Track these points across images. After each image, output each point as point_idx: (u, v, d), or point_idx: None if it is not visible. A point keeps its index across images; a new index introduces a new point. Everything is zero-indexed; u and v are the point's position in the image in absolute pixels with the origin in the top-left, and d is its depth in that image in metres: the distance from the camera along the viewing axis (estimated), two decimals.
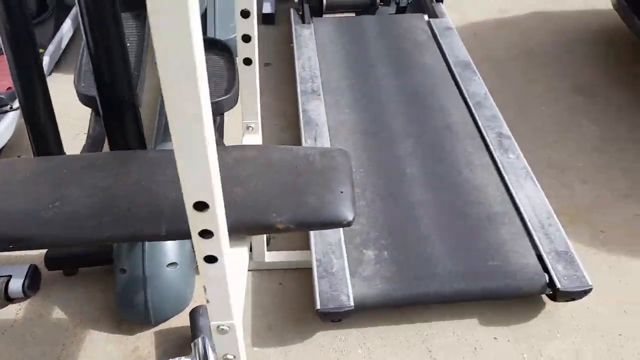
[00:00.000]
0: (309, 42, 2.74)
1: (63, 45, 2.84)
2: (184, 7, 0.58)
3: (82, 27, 1.27)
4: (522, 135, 2.44)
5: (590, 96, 2.69)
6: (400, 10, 3.05)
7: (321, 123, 2.26)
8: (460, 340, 1.68)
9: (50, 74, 2.72)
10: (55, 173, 1.23)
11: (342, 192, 1.19)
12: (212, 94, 2.17)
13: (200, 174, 0.75)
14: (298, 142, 2.25)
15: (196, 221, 0.81)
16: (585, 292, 1.62)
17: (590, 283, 1.62)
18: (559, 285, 1.62)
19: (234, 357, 1.04)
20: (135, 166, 1.24)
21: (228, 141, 1.92)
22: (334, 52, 2.67)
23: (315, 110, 2.32)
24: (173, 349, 1.68)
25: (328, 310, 1.58)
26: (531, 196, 1.91)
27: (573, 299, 1.65)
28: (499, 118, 2.26)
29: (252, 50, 1.29)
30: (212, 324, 0.98)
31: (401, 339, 1.69)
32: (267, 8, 3.23)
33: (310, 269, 1.74)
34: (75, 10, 2.97)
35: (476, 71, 2.52)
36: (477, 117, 2.26)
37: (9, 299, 1.76)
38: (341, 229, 1.82)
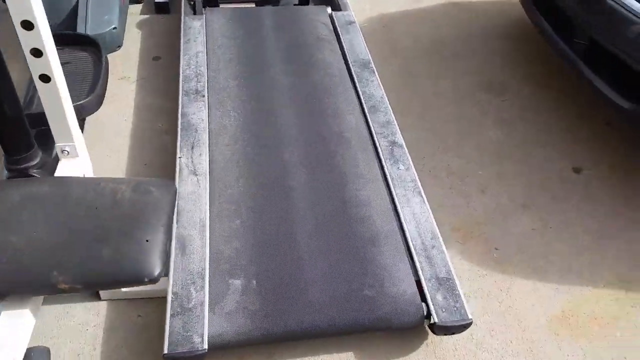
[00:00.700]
0: (199, 35, 2.49)
1: None
2: None
3: None
4: (423, 138, 2.31)
5: (498, 94, 2.58)
6: (304, 1, 2.84)
7: (201, 128, 2.03)
8: None
9: None
10: None
11: (147, 240, 0.99)
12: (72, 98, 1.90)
13: None
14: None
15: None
16: (465, 327, 1.50)
17: (469, 317, 1.50)
18: (436, 319, 1.48)
19: None
20: None
21: None
22: (226, 47, 2.44)
23: (197, 114, 2.09)
24: None
25: (175, 356, 1.38)
26: (417, 213, 1.77)
27: (453, 333, 1.52)
28: (393, 124, 2.10)
29: (47, 65, 1.05)
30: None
31: None
32: None
33: None
34: None
35: (375, 71, 2.35)
36: (370, 123, 2.10)
37: None
38: (207, 252, 1.63)
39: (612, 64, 2.04)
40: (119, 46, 2.40)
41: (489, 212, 2.04)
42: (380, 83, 2.29)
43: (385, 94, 2.24)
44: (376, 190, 1.85)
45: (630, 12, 1.93)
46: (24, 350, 0.96)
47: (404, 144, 2.02)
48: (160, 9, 2.94)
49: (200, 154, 1.93)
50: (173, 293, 1.53)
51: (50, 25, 2.29)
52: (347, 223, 1.74)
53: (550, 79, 2.68)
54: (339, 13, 2.71)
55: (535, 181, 2.17)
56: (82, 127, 2.01)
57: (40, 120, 1.54)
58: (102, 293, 1.68)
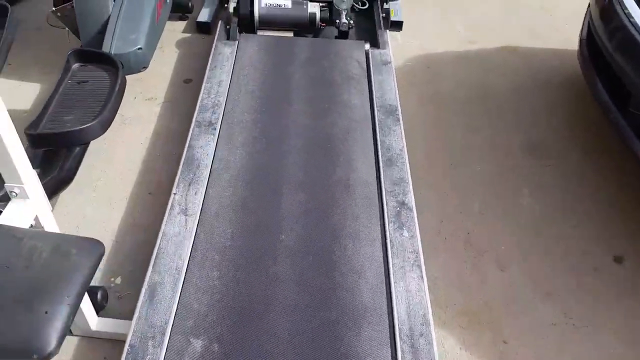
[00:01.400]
0: (226, 62, 2.42)
1: None
2: None
3: None
4: (446, 198, 2.12)
5: (539, 157, 2.34)
6: (343, 34, 2.72)
7: (204, 164, 1.95)
8: None
9: None
10: None
11: (47, 312, 0.90)
12: (76, 121, 1.89)
13: None
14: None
15: None
16: None
17: None
18: None
19: None
20: None
21: None
22: (250, 78, 2.36)
23: (204, 147, 2.02)
24: None
25: None
26: (411, 291, 1.60)
27: None
28: (407, 183, 1.93)
29: None
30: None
31: None
32: (204, 16, 2.93)
33: None
34: None
35: (400, 119, 2.19)
36: (382, 178, 1.94)
37: None
38: (175, 304, 1.53)
39: None
40: (145, 67, 2.37)
41: (504, 296, 1.82)
42: (402, 134, 2.13)
43: (405, 147, 2.07)
44: (371, 256, 1.69)
45: None
46: None
47: (414, 206, 1.85)
48: (202, 29, 2.92)
49: (195, 193, 1.85)
50: (130, 345, 1.44)
51: (84, 40, 2.32)
52: (332, 292, 1.59)
53: (603, 146, 2.40)
54: (377, 51, 2.56)
55: (566, 266, 1.92)
56: (84, 150, 1.99)
57: None
58: (74, 328, 1.63)
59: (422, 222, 2.02)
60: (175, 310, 1.52)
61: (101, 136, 2.22)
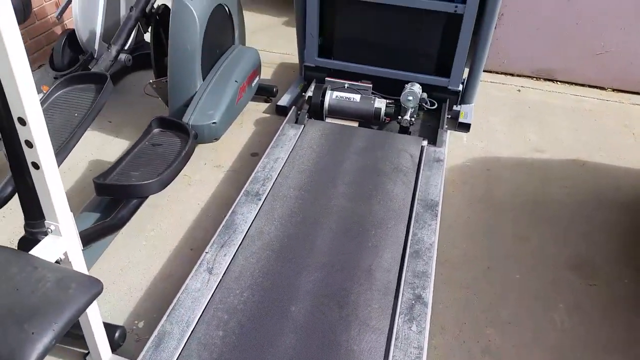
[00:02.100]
0: (288, 143, 2.64)
1: None
2: None
3: None
4: (472, 302, 2.07)
5: (586, 276, 2.21)
6: (404, 130, 2.84)
7: (240, 230, 2.11)
8: None
9: None
10: None
11: (33, 333, 1.04)
12: (140, 177, 2.14)
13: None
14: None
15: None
16: None
17: None
18: None
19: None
20: None
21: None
22: (306, 159, 2.53)
23: (245, 215, 2.18)
24: None
25: None
26: None
27: None
28: (429, 278, 1.93)
29: (36, 155, 1.22)
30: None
31: None
32: (284, 101, 3.21)
33: None
34: None
35: (438, 215, 2.21)
36: (404, 269, 1.96)
37: None
38: (176, 357, 1.63)
39: None
40: (216, 139, 2.65)
41: None
42: (437, 229, 2.14)
43: (436, 243, 2.08)
44: (374, 346, 1.69)
45: None
46: None
47: (429, 302, 1.83)
48: (280, 111, 3.20)
49: (225, 255, 2.00)
50: None
51: (171, 110, 2.66)
52: None
53: None
54: (432, 148, 2.64)
55: None
56: (140, 204, 2.22)
57: None
58: None
59: (443, 321, 1.99)
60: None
61: (165, 193, 2.50)
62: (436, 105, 3.05)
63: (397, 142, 2.69)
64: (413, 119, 2.82)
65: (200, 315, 1.77)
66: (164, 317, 1.75)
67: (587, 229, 2.47)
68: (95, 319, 1.64)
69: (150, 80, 2.73)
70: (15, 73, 1.10)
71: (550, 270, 2.24)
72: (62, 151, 2.01)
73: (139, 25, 2.93)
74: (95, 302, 1.62)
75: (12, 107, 1.16)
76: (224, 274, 1.92)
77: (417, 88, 2.89)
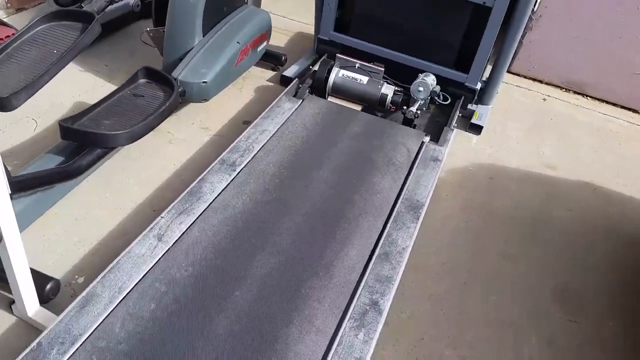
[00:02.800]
0: (280, 116, 2.47)
1: None
2: None
3: None
4: (437, 317, 1.90)
5: (568, 310, 2.02)
6: (408, 122, 2.64)
7: (204, 200, 1.96)
8: None
9: None
10: None
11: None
12: (110, 126, 2.02)
13: None
14: None
15: None
16: None
17: None
18: None
19: None
20: None
21: None
22: (294, 136, 2.36)
23: (214, 184, 2.04)
24: None
25: None
26: None
27: None
28: (391, 284, 1.76)
29: None
30: None
31: None
32: (290, 72, 3.04)
33: None
34: None
35: (419, 218, 2.03)
36: (367, 271, 1.79)
37: None
38: (97, 323, 1.51)
39: None
40: (205, 99, 2.50)
41: None
42: (414, 234, 1.97)
43: (410, 248, 1.91)
44: (312, 349, 1.54)
45: None
46: None
47: (385, 311, 1.67)
48: (284, 82, 3.02)
49: (181, 223, 1.86)
50: (37, 343, 1.45)
51: (164, 62, 2.52)
52: None
53: None
54: (433, 146, 2.45)
55: None
56: (102, 155, 2.09)
57: None
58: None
59: (401, 331, 1.83)
60: (94, 328, 1.51)
61: (143, 148, 2.38)
62: (449, 100, 2.84)
63: (397, 134, 2.50)
64: (419, 112, 2.61)
65: (137, 283, 1.64)
66: (97, 279, 1.63)
67: (583, 258, 2.26)
68: (19, 267, 1.53)
69: (148, 28, 2.59)
70: None
71: (532, 297, 2.05)
72: (30, 87, 1.89)
73: None
74: (22, 250, 1.51)
75: None
76: (173, 244, 1.78)
77: (430, 79, 2.68)
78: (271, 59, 3.12)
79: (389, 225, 1.99)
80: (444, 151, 2.43)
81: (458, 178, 2.58)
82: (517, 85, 3.46)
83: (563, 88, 3.50)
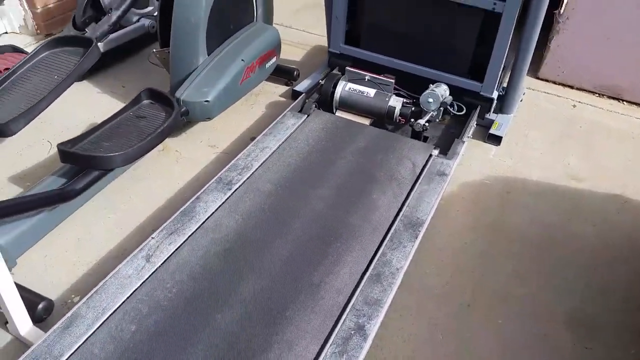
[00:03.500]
0: (283, 132, 2.44)
1: None
2: None
3: None
4: (435, 343, 1.80)
5: (582, 336, 1.86)
6: (416, 135, 2.55)
7: (196, 220, 1.96)
8: None
9: None
10: None
11: None
12: (109, 149, 2.06)
13: None
14: None
15: None
16: None
17: None
18: None
19: None
20: None
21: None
22: (295, 152, 2.33)
23: (207, 204, 2.03)
24: None
25: None
26: None
27: None
28: (381, 307, 1.68)
29: None
30: None
31: None
32: (301, 86, 3.02)
33: None
34: None
35: (418, 237, 1.94)
36: (356, 294, 1.72)
37: None
38: (79, 343, 1.53)
39: None
40: (209, 118, 2.51)
41: None
42: (411, 254, 1.88)
43: (404, 269, 1.82)
44: None
45: None
46: None
47: (370, 337, 1.59)
48: (295, 97, 3.00)
49: (170, 243, 1.86)
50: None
51: (171, 82, 2.55)
52: None
53: None
54: (440, 160, 2.34)
55: None
56: (100, 177, 2.11)
57: None
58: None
59: (391, 356, 1.74)
60: (74, 349, 1.52)
61: (149, 167, 2.41)
62: (464, 111, 2.73)
63: (404, 148, 2.41)
64: (427, 124, 2.52)
65: (120, 305, 1.65)
66: (82, 300, 1.65)
67: (604, 280, 2.09)
68: (7, 290, 1.57)
69: (154, 50, 2.64)
70: None
71: (543, 322, 1.91)
72: (28, 113, 1.96)
73: None
74: (7, 274, 1.55)
75: None
76: (161, 264, 1.78)
77: (441, 90, 2.58)
78: (284, 74, 3.11)
79: (384, 244, 1.92)
80: (452, 165, 2.32)
81: (471, 192, 2.46)
82: (544, 92, 3.29)
83: (596, 93, 3.29)
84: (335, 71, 2.91)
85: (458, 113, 2.73)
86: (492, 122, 2.83)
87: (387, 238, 1.94)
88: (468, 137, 2.64)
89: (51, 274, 1.94)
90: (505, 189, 2.51)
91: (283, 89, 3.13)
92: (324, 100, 2.68)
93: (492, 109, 2.83)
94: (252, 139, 2.71)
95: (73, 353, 1.51)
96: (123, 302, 1.65)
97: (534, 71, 3.39)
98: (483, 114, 2.80)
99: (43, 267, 1.96)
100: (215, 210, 2.01)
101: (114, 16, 2.61)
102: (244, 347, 1.56)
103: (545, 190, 2.52)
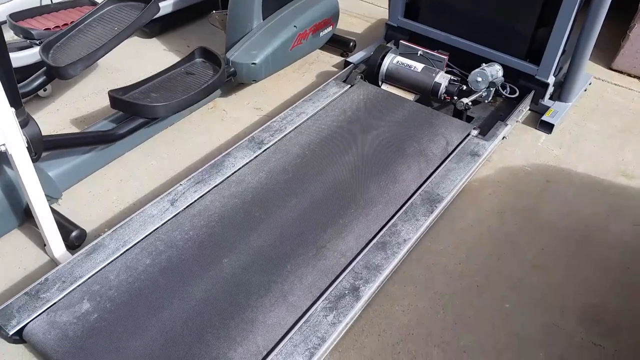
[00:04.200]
0: (323, 100, 2.49)
1: None
2: None
3: None
4: (432, 316, 1.80)
5: (593, 333, 1.78)
6: (458, 114, 2.49)
7: (222, 173, 2.07)
8: None
9: None
10: None
11: None
12: (155, 99, 2.21)
13: None
14: None
15: None
16: None
17: None
18: None
19: None
20: None
21: None
22: (331, 120, 2.37)
23: (235, 160, 2.14)
24: None
25: None
26: None
27: None
28: (380, 272, 1.71)
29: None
30: None
31: None
32: (354, 58, 3.02)
33: None
34: None
35: (433, 212, 1.93)
36: (358, 258, 1.76)
37: None
38: (97, 269, 1.70)
39: None
40: (255, 80, 2.61)
41: None
42: (422, 228, 1.88)
43: (413, 241, 1.83)
44: (278, 322, 1.57)
45: None
46: None
47: (364, 298, 1.63)
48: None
49: (195, 191, 1.99)
50: (45, 278, 1.67)
51: (227, 43, 2.66)
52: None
53: None
54: (477, 140, 2.29)
55: None
56: (141, 125, 2.26)
57: None
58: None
59: (391, 326, 1.76)
60: (93, 273, 1.69)
61: (196, 122, 2.56)
62: (517, 94, 2.62)
63: (442, 125, 2.38)
64: (470, 103, 2.45)
65: (140, 240, 1.80)
66: (108, 231, 1.82)
67: (633, 283, 1.96)
68: (44, 217, 1.76)
69: (214, 11, 2.76)
70: None
71: (554, 312, 1.84)
72: (85, 59, 2.15)
73: None
74: (45, 202, 1.74)
75: None
76: (183, 209, 1.92)
77: (493, 69, 2.50)
78: (340, 45, 3.14)
79: (397, 215, 1.93)
80: (487, 146, 2.26)
81: (508, 177, 2.38)
82: (615, 84, 3.07)
83: None
84: (390, 45, 2.90)
85: (510, 96, 2.63)
86: (547, 108, 2.70)
87: (402, 210, 1.95)
88: (516, 121, 2.54)
89: (91, 208, 2.14)
90: (546, 178, 2.41)
91: (338, 59, 3.16)
92: (371, 72, 2.68)
93: (549, 95, 2.70)
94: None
95: (91, 277, 1.68)
96: (143, 238, 1.81)
97: (608, 61, 3.17)
98: (537, 100, 2.68)
99: (85, 202, 2.16)
100: (242, 166, 2.11)
101: None
102: (242, 290, 1.66)
103: (590, 183, 2.39)
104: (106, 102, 2.70)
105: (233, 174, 2.07)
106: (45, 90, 2.58)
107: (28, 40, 2.52)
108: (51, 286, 1.65)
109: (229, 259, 1.75)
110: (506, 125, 2.41)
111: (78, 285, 1.65)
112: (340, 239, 1.84)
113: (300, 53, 2.81)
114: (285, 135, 2.27)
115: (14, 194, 1.90)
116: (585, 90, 2.91)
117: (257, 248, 1.79)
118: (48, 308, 1.59)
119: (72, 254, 1.87)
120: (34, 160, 1.70)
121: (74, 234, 1.91)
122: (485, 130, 2.38)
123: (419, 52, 2.72)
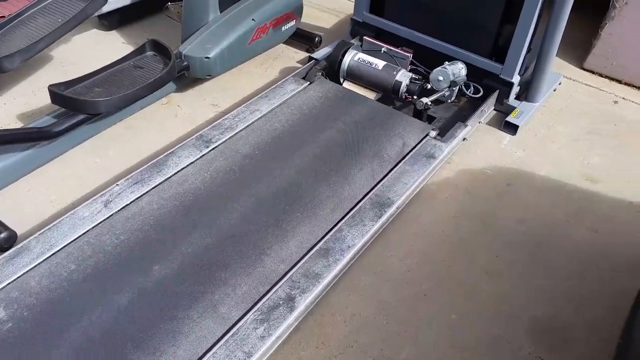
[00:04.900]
0: (279, 97, 2.39)
1: None
2: None
3: None
4: (372, 326, 1.72)
5: (541, 347, 1.70)
6: (418, 114, 2.40)
7: (163, 173, 1.98)
8: None
9: None
10: None
11: None
12: (97, 94, 2.11)
13: None
14: None
15: None
16: None
17: None
18: None
19: None
20: None
21: None
22: (286, 119, 2.28)
23: (179, 159, 2.04)
24: None
25: None
26: None
27: None
28: (319, 282, 1.63)
29: None
30: None
31: None
32: (319, 54, 2.91)
33: None
34: None
35: (382, 217, 1.85)
36: (297, 265, 1.67)
37: None
38: (16, 275, 1.60)
39: None
40: (210, 76, 2.51)
41: None
42: (369, 234, 1.80)
43: (357, 248, 1.74)
44: (205, 334, 1.49)
45: None
46: None
47: (298, 309, 1.55)
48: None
49: (132, 192, 1.89)
50: None
51: (182, 36, 2.56)
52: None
53: None
54: (434, 142, 2.21)
55: None
56: (82, 121, 2.16)
57: None
58: None
59: (330, 337, 1.68)
60: (14, 278, 1.60)
61: (147, 118, 2.45)
62: (481, 93, 2.54)
63: (400, 125, 2.30)
64: (430, 103, 2.37)
65: (67, 244, 1.71)
66: (35, 234, 1.73)
67: (590, 292, 1.90)
68: None
69: (169, 3, 2.65)
70: None
71: (502, 323, 1.77)
72: (24, 52, 2.05)
73: None
74: None
75: None
76: (117, 212, 1.82)
77: (455, 68, 2.42)
78: (305, 40, 3.04)
79: (344, 220, 1.84)
80: (444, 148, 2.18)
81: (468, 180, 2.31)
82: (585, 84, 2.99)
83: None
84: (355, 41, 2.81)
85: (474, 96, 2.54)
86: (513, 109, 2.63)
87: (349, 215, 1.87)
88: (479, 121, 2.47)
89: (28, 208, 2.03)
90: (506, 181, 2.33)
91: (303, 54, 3.06)
92: (332, 69, 2.59)
93: (514, 95, 2.62)
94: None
95: (11, 282, 1.59)
96: (71, 241, 1.71)
97: (579, 61, 3.10)
98: (502, 100, 2.60)
99: (22, 201, 2.06)
100: (186, 166, 2.02)
101: None
102: (170, 299, 1.57)
103: (552, 187, 2.31)
104: None
105: (175, 174, 1.98)
106: None
107: None
108: None
109: (159, 266, 1.66)
110: (466, 126, 2.32)
111: None
112: (282, 245, 1.75)
113: (260, 48, 2.72)
114: (235, 134, 2.18)
115: None
116: (554, 90, 2.83)
117: (192, 254, 1.70)
118: None
119: None
120: None
121: (2, 235, 1.81)
122: (445, 131, 2.30)
123: (383, 49, 2.63)
